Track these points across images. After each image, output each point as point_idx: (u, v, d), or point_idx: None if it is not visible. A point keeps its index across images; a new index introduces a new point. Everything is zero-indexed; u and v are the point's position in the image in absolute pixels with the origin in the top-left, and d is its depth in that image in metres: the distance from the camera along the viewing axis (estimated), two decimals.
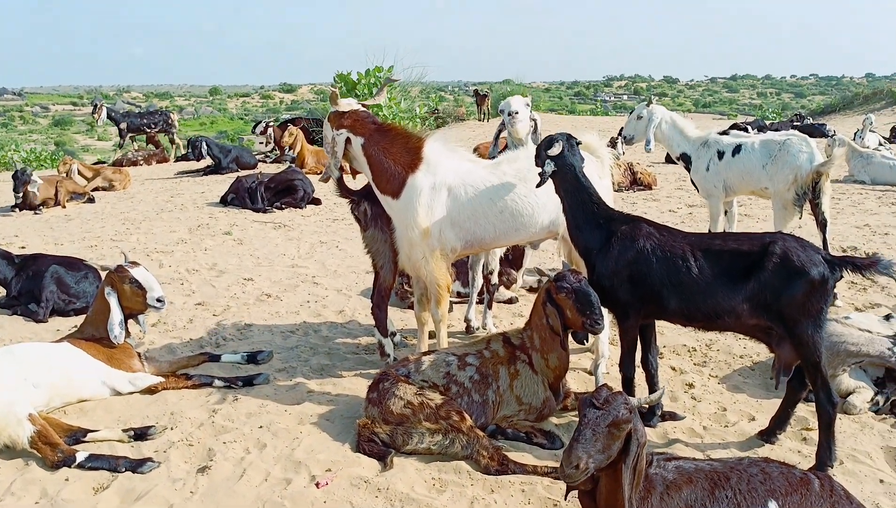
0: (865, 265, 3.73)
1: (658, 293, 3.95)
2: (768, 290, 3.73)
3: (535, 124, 5.87)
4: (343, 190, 5.21)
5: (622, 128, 7.62)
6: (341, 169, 5.05)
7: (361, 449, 4.15)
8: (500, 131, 6.10)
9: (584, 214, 4.16)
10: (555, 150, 4.13)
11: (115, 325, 4.88)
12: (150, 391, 4.94)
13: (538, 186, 4.28)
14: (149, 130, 19.79)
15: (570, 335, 4.33)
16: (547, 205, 4.83)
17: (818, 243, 6.38)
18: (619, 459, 2.95)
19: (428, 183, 4.71)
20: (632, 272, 3.99)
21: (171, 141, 20.11)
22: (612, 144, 12.26)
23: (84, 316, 5.34)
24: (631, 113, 7.33)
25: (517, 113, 5.68)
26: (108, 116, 19.49)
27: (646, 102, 7.20)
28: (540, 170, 4.20)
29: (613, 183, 12.11)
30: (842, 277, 3.80)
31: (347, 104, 4.94)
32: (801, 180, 6.24)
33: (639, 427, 2.96)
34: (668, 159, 15.79)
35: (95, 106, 19.54)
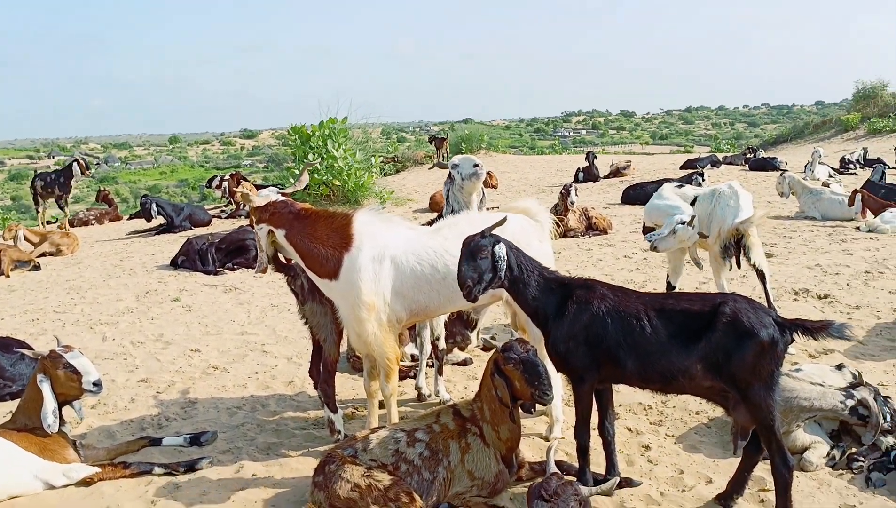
0: (816, 329, 3.70)
1: (615, 354, 3.91)
2: (719, 351, 3.70)
3: (482, 190, 5.78)
4: (278, 265, 5.10)
5: (577, 170, 7.57)
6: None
7: None
8: (448, 190, 5.98)
9: (537, 282, 4.09)
10: (502, 250, 3.98)
11: (48, 414, 4.66)
12: (86, 482, 4.71)
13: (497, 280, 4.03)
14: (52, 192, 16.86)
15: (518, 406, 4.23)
16: None
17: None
18: None
19: (366, 257, 4.61)
20: (588, 335, 3.94)
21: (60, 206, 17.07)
22: (567, 191, 12.28)
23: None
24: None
25: (482, 166, 5.55)
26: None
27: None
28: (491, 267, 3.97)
29: (570, 229, 12.20)
30: (793, 340, 3.77)
31: (264, 197, 4.87)
32: (724, 235, 6.25)
33: None
34: (625, 200, 15.95)
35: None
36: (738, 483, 4.20)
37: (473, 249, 3.94)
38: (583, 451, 4.22)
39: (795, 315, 7.01)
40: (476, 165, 5.52)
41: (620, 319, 3.90)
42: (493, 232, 4.03)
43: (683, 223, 6.41)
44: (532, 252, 4.87)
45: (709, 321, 3.74)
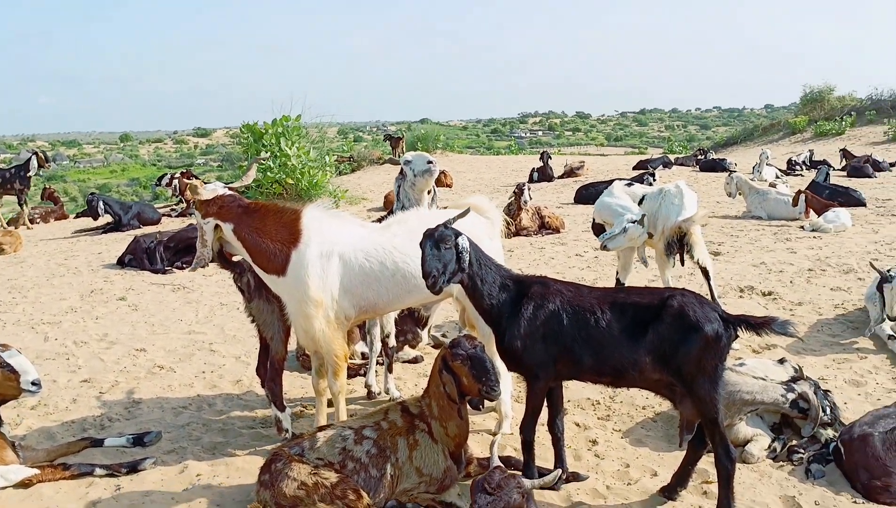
0: (760, 324, 3.79)
1: (571, 349, 3.94)
2: (666, 344, 3.78)
3: (433, 187, 5.77)
4: (223, 262, 5.03)
5: (532, 170, 7.59)
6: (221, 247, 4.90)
7: None
8: (399, 186, 5.96)
9: (492, 278, 4.07)
10: (465, 242, 3.92)
11: None
12: (25, 484, 4.57)
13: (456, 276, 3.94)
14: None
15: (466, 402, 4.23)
16: None
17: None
18: None
19: (314, 253, 4.57)
20: (545, 331, 3.95)
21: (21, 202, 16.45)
22: (520, 190, 12.34)
23: None
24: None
25: (436, 163, 5.58)
26: None
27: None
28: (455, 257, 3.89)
29: (523, 228, 12.26)
30: (737, 335, 3.85)
31: (211, 190, 4.78)
32: (668, 232, 6.36)
33: None
34: (578, 200, 16.07)
35: None
36: (682, 476, 4.28)
37: (438, 239, 3.86)
38: (528, 446, 4.26)
39: (740, 312, 7.16)
40: (429, 162, 5.52)
41: (576, 314, 3.94)
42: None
43: (634, 222, 6.50)
44: (483, 249, 4.90)
45: (657, 314, 3.82)
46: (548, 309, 3.98)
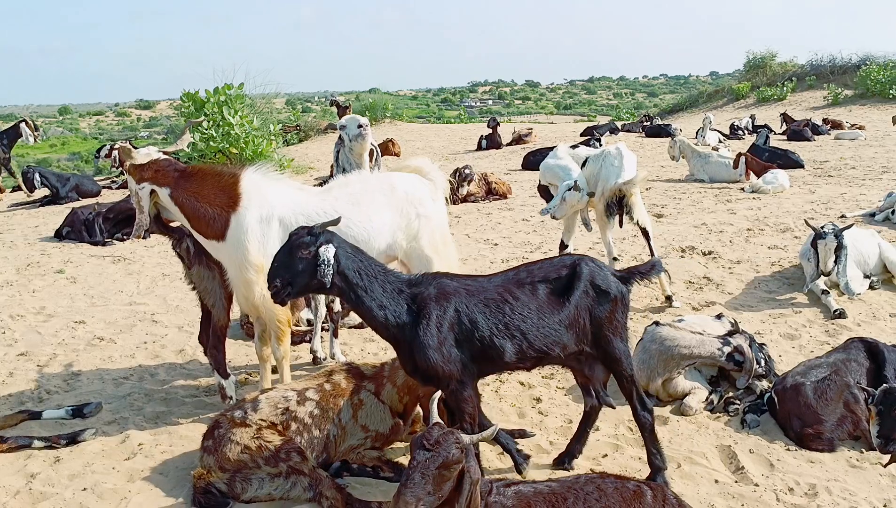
0: (647, 271, 3.92)
1: (491, 344, 3.62)
2: (583, 312, 3.72)
3: (376, 152, 5.75)
4: (161, 228, 4.92)
5: (481, 138, 7.55)
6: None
7: (197, 502, 3.91)
8: (338, 151, 5.92)
9: (381, 287, 3.64)
10: (329, 252, 3.49)
11: None
12: None
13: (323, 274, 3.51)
14: None
15: None
16: (382, 229, 4.75)
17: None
18: (453, 497, 2.88)
19: (254, 217, 4.51)
20: (459, 332, 3.61)
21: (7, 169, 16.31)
22: (462, 177, 12.32)
23: None
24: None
25: (367, 126, 5.59)
26: None
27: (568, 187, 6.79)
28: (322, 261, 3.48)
29: (470, 194, 12.28)
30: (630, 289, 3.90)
31: (145, 155, 4.67)
32: (607, 193, 6.44)
33: (472, 465, 2.89)
34: (525, 166, 16.13)
35: None
36: (578, 440, 4.28)
37: (293, 244, 3.49)
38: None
39: (682, 271, 7.39)
40: (360, 126, 5.53)
41: (486, 306, 3.65)
42: (329, 230, 3.60)
43: (569, 189, 6.57)
44: (425, 211, 4.90)
45: (568, 284, 3.72)
46: (455, 309, 3.62)
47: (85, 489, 4.10)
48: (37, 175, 14.48)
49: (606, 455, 4.33)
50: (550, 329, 3.68)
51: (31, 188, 14.62)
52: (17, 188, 17.03)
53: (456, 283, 3.73)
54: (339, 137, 5.63)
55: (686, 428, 4.59)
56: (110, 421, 4.95)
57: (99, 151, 19.25)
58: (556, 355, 3.74)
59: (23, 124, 15.59)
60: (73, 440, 4.66)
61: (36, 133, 16.09)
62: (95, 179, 17.21)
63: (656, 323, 5.14)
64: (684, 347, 4.90)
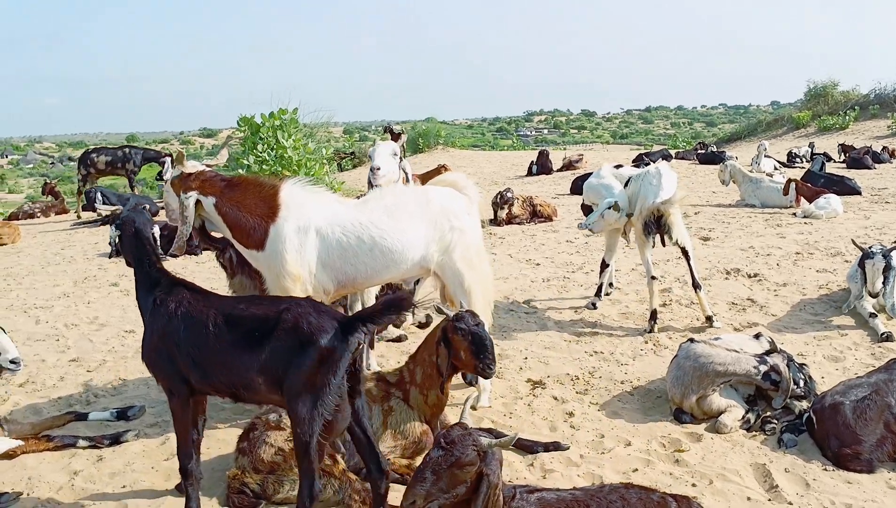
0: (381, 311, 3.39)
1: (186, 366, 3.52)
2: (279, 361, 3.34)
3: (406, 175, 5.82)
4: (205, 239, 5.08)
5: (531, 163, 7.61)
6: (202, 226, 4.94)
7: (231, 502, 4.01)
8: (369, 179, 6.01)
9: (140, 275, 3.77)
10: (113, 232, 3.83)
11: None
12: (9, 455, 4.66)
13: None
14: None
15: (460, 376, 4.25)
16: (415, 241, 4.82)
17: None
18: (470, 499, 2.90)
19: (292, 228, 4.63)
20: (165, 343, 3.57)
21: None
22: (504, 200, 12.47)
23: None
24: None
25: (379, 169, 5.44)
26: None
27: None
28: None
29: (514, 216, 12.31)
30: (359, 342, 3.36)
31: (192, 166, 4.84)
32: (645, 212, 6.41)
33: (492, 469, 2.89)
34: (574, 190, 16.11)
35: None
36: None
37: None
38: (185, 474, 3.79)
39: (725, 293, 7.29)
40: (371, 170, 5.51)
41: (192, 326, 3.52)
42: (134, 212, 3.93)
43: (609, 208, 6.59)
44: (460, 224, 4.97)
45: (272, 327, 3.38)
46: (167, 318, 3.58)
47: (124, 486, 4.24)
48: (98, 195, 15.09)
49: (637, 470, 4.28)
50: (237, 371, 3.44)
51: (93, 207, 15.21)
52: (85, 208, 17.77)
53: (183, 293, 3.67)
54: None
55: (720, 446, 4.52)
56: (152, 424, 5.11)
57: (160, 174, 19.93)
58: (250, 395, 3.53)
59: (168, 160, 15.98)
60: (115, 440, 4.83)
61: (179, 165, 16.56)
62: (156, 201, 17.82)
63: (691, 340, 5.08)
64: (719, 364, 4.82)
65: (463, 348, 4.01)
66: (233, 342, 3.42)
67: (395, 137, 28.90)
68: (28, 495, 4.19)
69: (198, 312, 3.54)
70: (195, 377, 3.54)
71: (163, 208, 16.54)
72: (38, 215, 17.30)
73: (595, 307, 7.33)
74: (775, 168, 17.51)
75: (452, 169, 20.43)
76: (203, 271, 9.84)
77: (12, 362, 4.68)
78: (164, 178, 15.64)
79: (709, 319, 6.52)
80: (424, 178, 8.21)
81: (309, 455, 3.32)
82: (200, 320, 3.50)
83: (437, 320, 7.11)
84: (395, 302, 3.37)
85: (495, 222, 12.43)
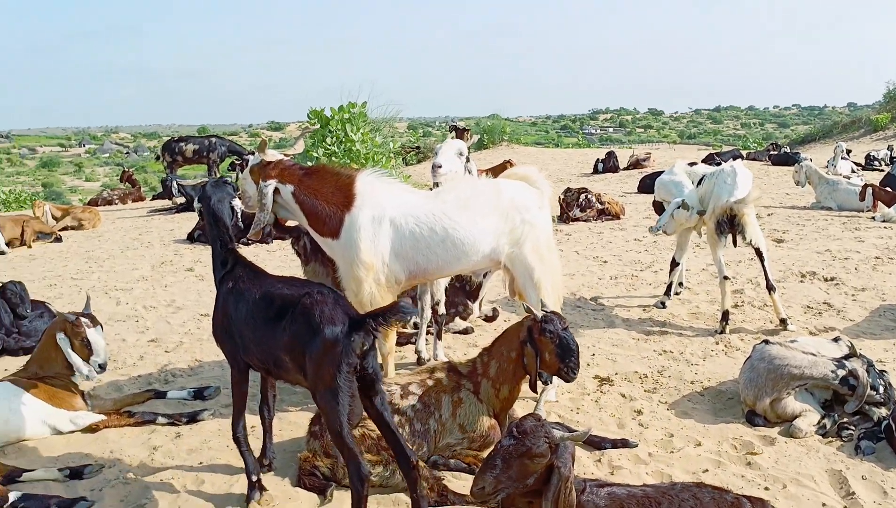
0: (388, 312, 3.40)
1: (240, 338, 3.79)
2: (298, 343, 3.45)
3: (472, 175, 5.83)
4: (280, 229, 5.20)
5: (597, 161, 7.55)
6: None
7: (302, 483, 4.09)
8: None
9: (214, 253, 4.11)
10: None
11: (81, 368, 4.82)
12: (92, 429, 4.88)
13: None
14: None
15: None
16: (486, 233, 4.84)
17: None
18: (542, 491, 2.92)
19: (366, 217, 4.70)
20: (224, 317, 3.88)
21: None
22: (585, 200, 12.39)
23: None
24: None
25: (440, 167, 5.36)
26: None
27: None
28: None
29: (576, 214, 12.20)
30: (365, 338, 3.37)
31: (272, 155, 4.95)
32: (718, 211, 6.28)
33: (563, 462, 2.90)
34: (641, 189, 15.90)
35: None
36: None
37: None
38: (237, 442, 4.02)
39: (800, 296, 7.11)
40: (432, 168, 5.45)
41: (241, 302, 3.77)
42: (214, 187, 4.19)
43: (679, 207, 6.49)
44: (531, 217, 4.97)
45: (291, 310, 3.52)
46: (226, 292, 3.92)
47: (201, 462, 4.39)
48: (175, 183, 15.59)
49: (707, 471, 4.22)
50: (270, 347, 3.63)
51: (170, 195, 15.71)
52: (157, 197, 18.38)
53: (241, 271, 3.96)
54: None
55: (795, 450, 4.42)
56: (227, 404, 5.25)
57: (232, 165, 20.44)
58: (283, 375, 3.72)
59: (250, 158, 16.29)
60: (192, 418, 5.00)
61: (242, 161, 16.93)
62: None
63: (766, 341, 4.98)
64: (795, 367, 4.71)
65: (549, 350, 3.98)
66: (265, 320, 3.62)
67: (461, 133, 28.98)
68: (110, 467, 4.37)
69: (246, 289, 3.80)
70: (241, 351, 3.81)
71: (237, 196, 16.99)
72: (116, 201, 17.96)
73: (664, 306, 7.24)
74: (853, 170, 16.92)
75: (516, 165, 20.48)
76: (274, 260, 10.07)
77: (100, 366, 4.87)
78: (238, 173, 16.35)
79: (783, 321, 6.37)
80: (491, 173, 8.22)
81: (344, 441, 3.38)
82: (246, 297, 3.76)
83: (503, 314, 7.15)
84: (399, 308, 3.43)
85: (564, 218, 12.35)
